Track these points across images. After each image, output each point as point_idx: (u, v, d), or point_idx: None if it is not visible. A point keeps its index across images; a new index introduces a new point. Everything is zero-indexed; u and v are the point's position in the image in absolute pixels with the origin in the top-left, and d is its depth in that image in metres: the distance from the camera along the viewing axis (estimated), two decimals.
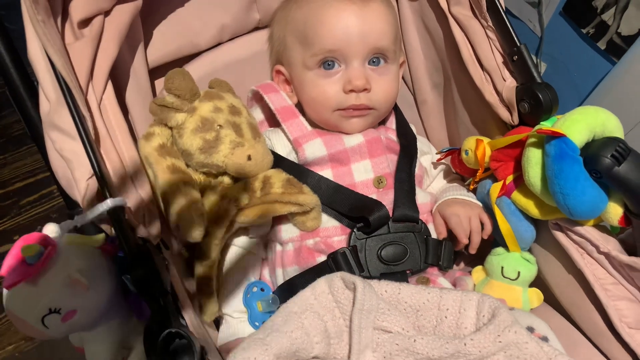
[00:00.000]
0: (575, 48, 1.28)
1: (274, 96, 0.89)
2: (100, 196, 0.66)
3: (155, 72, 0.92)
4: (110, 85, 0.73)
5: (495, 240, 0.90)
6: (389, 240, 0.79)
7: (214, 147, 0.77)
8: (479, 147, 0.84)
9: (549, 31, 1.33)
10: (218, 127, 0.77)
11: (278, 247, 0.85)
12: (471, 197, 0.89)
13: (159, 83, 0.94)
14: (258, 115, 0.94)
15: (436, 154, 0.97)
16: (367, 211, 0.78)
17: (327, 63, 0.83)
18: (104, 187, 0.63)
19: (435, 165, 0.98)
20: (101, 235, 0.65)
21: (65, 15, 0.71)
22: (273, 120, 0.93)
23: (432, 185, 0.97)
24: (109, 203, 0.62)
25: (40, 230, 0.65)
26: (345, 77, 0.83)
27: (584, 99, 1.27)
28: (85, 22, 0.72)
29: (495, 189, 0.82)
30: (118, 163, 0.69)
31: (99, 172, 0.64)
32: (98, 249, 0.66)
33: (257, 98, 0.94)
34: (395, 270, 0.79)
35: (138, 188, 0.70)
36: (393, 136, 0.91)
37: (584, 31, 1.26)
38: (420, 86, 1.02)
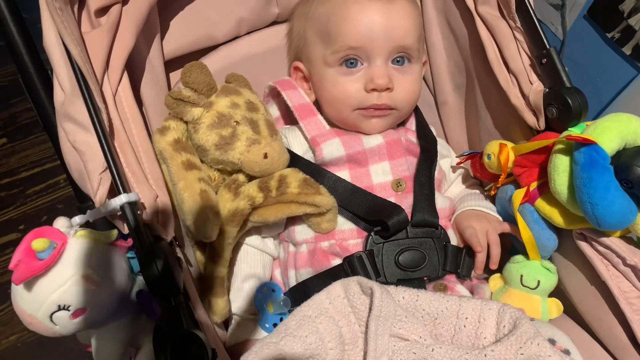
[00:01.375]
0: (599, 52, 1.25)
1: (291, 93, 0.87)
2: (112, 190, 0.64)
3: (170, 65, 0.90)
4: (125, 77, 0.72)
5: (513, 247, 0.88)
6: (407, 245, 0.77)
7: (230, 143, 0.75)
8: (502, 152, 0.81)
9: (572, 34, 1.30)
10: (235, 123, 0.76)
11: (291, 248, 0.83)
12: (490, 209, 0.87)
13: (174, 75, 0.92)
14: (274, 111, 0.93)
15: (456, 157, 0.95)
16: (385, 215, 0.76)
17: (350, 61, 0.81)
18: (118, 181, 0.61)
19: (454, 169, 0.95)
20: (114, 231, 0.63)
21: (82, 3, 0.69)
22: (289, 118, 0.91)
23: (450, 190, 0.94)
24: (122, 198, 0.60)
25: (50, 224, 0.63)
26: (367, 75, 0.81)
27: (606, 106, 1.24)
28: (102, 11, 0.71)
29: (519, 195, 0.79)
30: (132, 157, 0.67)
31: (113, 166, 0.62)
32: (110, 245, 0.64)
33: (274, 94, 0.92)
34: (413, 277, 0.77)
35: (152, 183, 0.68)
36: (413, 138, 0.89)
37: (609, 35, 1.23)
38: (441, 86, 1.00)
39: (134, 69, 0.79)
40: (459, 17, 0.90)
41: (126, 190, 0.62)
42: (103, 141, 0.62)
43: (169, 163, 0.72)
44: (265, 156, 0.76)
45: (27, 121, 1.98)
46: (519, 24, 0.79)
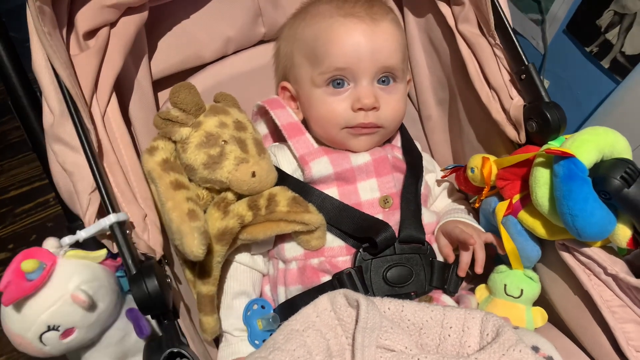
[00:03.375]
0: (579, 66, 1.28)
1: (280, 112, 0.88)
2: (102, 210, 0.65)
3: (158, 84, 0.91)
4: (114, 98, 0.73)
5: (498, 257, 0.89)
6: (394, 261, 0.78)
7: (218, 162, 0.76)
8: (485, 165, 0.83)
9: (553, 49, 1.33)
10: (223, 142, 0.77)
11: (281, 265, 0.84)
12: (474, 222, 0.88)
13: (163, 95, 0.93)
14: (262, 129, 0.93)
15: (441, 170, 0.96)
16: (373, 232, 0.77)
17: (337, 81, 0.82)
18: (107, 201, 0.62)
19: (439, 182, 0.97)
20: (103, 251, 0.64)
21: (70, 26, 0.71)
22: (277, 135, 0.92)
23: (436, 204, 0.96)
24: (111, 218, 0.61)
25: (39, 242, 0.63)
26: (354, 95, 0.82)
27: (587, 118, 1.27)
28: (91, 34, 0.72)
29: (502, 208, 0.81)
30: (121, 177, 0.68)
31: (102, 186, 0.63)
32: (99, 265, 0.64)
33: (262, 112, 0.93)
34: (400, 293, 0.77)
35: (141, 202, 0.69)
36: (399, 154, 0.90)
37: (588, 49, 1.26)
38: (424, 101, 1.02)
39: (122, 89, 0.80)
40: (441, 35, 0.92)
41: (115, 210, 0.63)
42: (92, 162, 0.63)
43: (157, 183, 0.72)
44: (253, 175, 0.76)
45: (16, 140, 1.98)
46: (498, 41, 0.81)
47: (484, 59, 0.83)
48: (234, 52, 0.98)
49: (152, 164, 0.74)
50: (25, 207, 1.78)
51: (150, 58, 0.87)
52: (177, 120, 0.76)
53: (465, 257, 0.82)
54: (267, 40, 1.00)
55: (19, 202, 1.79)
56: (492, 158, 0.84)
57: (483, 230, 0.87)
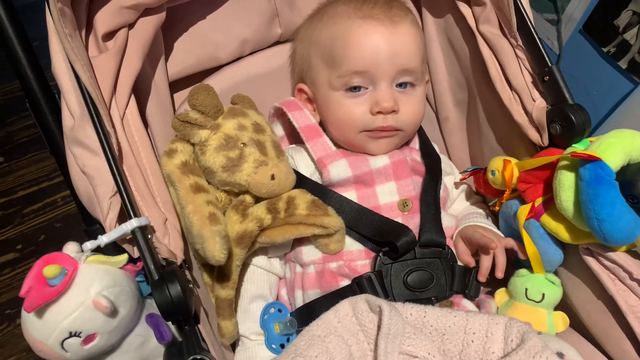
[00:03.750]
0: (595, 67, 1.26)
1: (297, 114, 0.87)
2: (122, 214, 0.64)
3: (174, 86, 0.90)
4: (133, 100, 0.72)
5: (518, 261, 0.88)
6: (415, 266, 0.77)
7: (237, 165, 0.75)
8: (506, 168, 0.82)
9: (568, 49, 1.32)
10: (242, 145, 0.76)
11: (298, 269, 0.83)
12: (494, 227, 0.87)
13: (178, 97, 0.92)
14: (279, 130, 0.93)
15: (460, 173, 0.95)
16: (393, 235, 0.76)
17: (355, 85, 0.81)
18: (128, 205, 0.61)
19: (457, 185, 0.96)
20: (124, 256, 0.63)
21: (89, 27, 0.70)
22: (294, 137, 0.91)
23: (454, 207, 0.95)
24: (133, 223, 0.60)
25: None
26: (372, 98, 0.81)
27: (603, 120, 1.25)
28: (109, 35, 0.71)
29: (524, 211, 0.79)
30: (141, 180, 0.67)
31: (124, 190, 0.62)
32: (120, 270, 0.63)
33: (279, 114, 0.92)
34: (421, 297, 0.77)
35: (161, 206, 0.68)
36: (417, 157, 0.89)
37: (605, 50, 1.24)
38: (442, 103, 1.00)
39: (139, 91, 0.79)
40: (460, 36, 0.91)
41: (136, 214, 0.62)
42: (113, 165, 0.62)
43: (177, 186, 0.72)
44: (273, 177, 0.76)
45: (24, 140, 1.97)
46: (520, 42, 0.80)
47: (506, 60, 0.81)
48: (250, 53, 0.97)
49: (172, 167, 0.74)
50: (33, 207, 1.77)
51: (166, 59, 0.87)
52: (196, 122, 0.75)
53: (486, 262, 0.81)
54: (284, 41, 0.99)
55: (27, 203, 1.78)
56: (513, 160, 0.83)
57: (502, 235, 0.86)
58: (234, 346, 0.81)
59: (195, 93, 0.76)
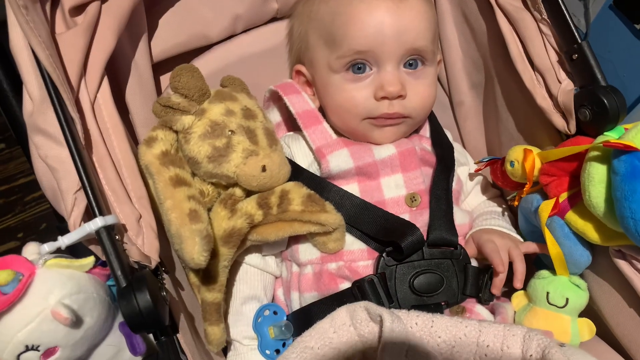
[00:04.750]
0: (626, 46, 1.16)
1: (294, 98, 0.80)
2: (90, 211, 0.57)
3: (160, 67, 0.83)
4: (106, 82, 0.64)
5: (539, 260, 0.80)
6: (422, 268, 0.70)
7: (225, 155, 0.68)
8: (527, 159, 0.74)
9: (596, 27, 1.21)
10: (229, 132, 0.69)
11: (295, 268, 0.76)
12: (512, 231, 0.79)
13: (165, 79, 0.85)
14: (275, 117, 0.85)
15: (475, 163, 0.87)
16: (398, 235, 0.69)
17: (357, 66, 0.73)
18: (93, 202, 0.54)
19: (471, 176, 0.88)
20: (90, 259, 0.56)
21: (56, 1, 0.62)
22: (292, 124, 0.83)
23: (468, 201, 0.86)
24: (97, 222, 0.53)
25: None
26: (377, 82, 0.73)
27: (634, 104, 1.15)
28: (78, 9, 0.64)
29: (546, 207, 0.71)
30: (113, 172, 0.60)
31: (88, 184, 0.54)
32: (87, 274, 0.57)
33: (275, 98, 0.85)
34: (429, 303, 0.70)
35: (135, 202, 0.61)
36: (428, 146, 0.81)
37: (638, 27, 1.14)
38: (456, 86, 0.92)
39: (117, 73, 0.72)
40: (477, 10, 0.82)
41: (103, 212, 0.55)
42: (76, 156, 0.55)
43: (156, 179, 0.64)
44: (264, 169, 0.69)
45: None
46: (545, 16, 0.71)
47: (528, 36, 0.73)
48: (244, 31, 0.89)
49: (150, 157, 0.67)
50: (34, 194, 1.73)
51: (149, 38, 0.79)
52: (179, 107, 0.68)
53: (501, 276, 0.73)
54: (281, 18, 0.91)
55: (28, 190, 1.74)
56: (535, 150, 0.75)
57: (521, 239, 0.78)
58: (225, 351, 0.75)
59: (178, 74, 0.68)
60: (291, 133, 0.84)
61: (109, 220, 0.54)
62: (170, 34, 0.81)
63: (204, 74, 0.71)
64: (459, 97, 0.92)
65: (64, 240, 0.53)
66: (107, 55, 0.64)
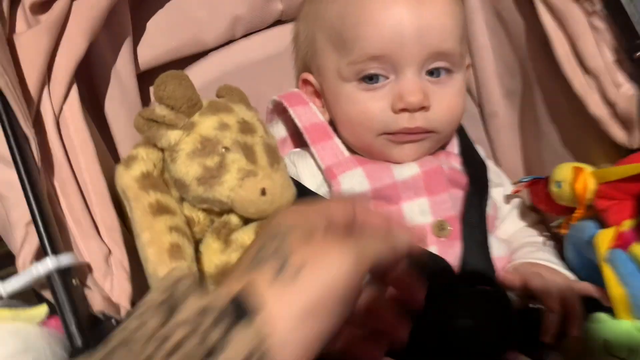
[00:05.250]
0: None
1: (301, 109, 0.70)
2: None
3: (149, 77, 0.73)
4: (75, 92, 0.55)
5: (589, 300, 0.67)
6: (453, 311, 0.58)
7: (217, 176, 0.58)
8: (578, 179, 0.62)
9: None
10: (223, 149, 0.59)
11: None
12: (560, 266, 0.67)
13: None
14: (280, 131, 0.75)
15: (512, 184, 0.75)
16: (424, 271, 0.57)
17: (371, 73, 0.64)
18: (44, 237, 0.44)
19: (506, 199, 0.76)
20: (42, 308, 0.45)
21: None
22: (299, 139, 0.73)
23: (504, 228, 0.75)
24: (48, 263, 0.42)
25: None
26: (395, 91, 0.64)
27: None
28: (43, 6, 0.55)
29: (604, 237, 0.59)
30: (77, 200, 0.50)
31: (40, 215, 0.44)
32: (39, 327, 0.46)
33: (279, 110, 0.75)
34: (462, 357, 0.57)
35: (105, 235, 0.51)
36: (457, 164, 0.70)
37: None
38: (488, 94, 0.81)
39: (95, 82, 0.63)
40: (512, 5, 0.71)
41: (58, 249, 0.44)
42: (26, 181, 0.44)
43: (133, 206, 0.54)
44: (263, 192, 0.59)
45: None
46: (598, 7, 0.59)
47: (578, 33, 0.61)
48: (244, 36, 0.79)
49: (127, 180, 0.57)
50: None
51: (136, 43, 0.70)
52: (164, 120, 0.59)
53: (554, 318, 0.61)
54: (286, 21, 0.81)
55: None
56: (587, 169, 0.63)
57: (570, 275, 0.65)
58: None
59: (163, 82, 0.59)
60: (298, 150, 0.74)
61: (63, 260, 0.43)
62: (159, 38, 0.72)
63: (198, 84, 0.62)
64: (491, 107, 0.81)
65: (5, 287, 0.42)
66: (77, 60, 0.55)
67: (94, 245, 0.49)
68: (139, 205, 0.55)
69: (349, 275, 0.33)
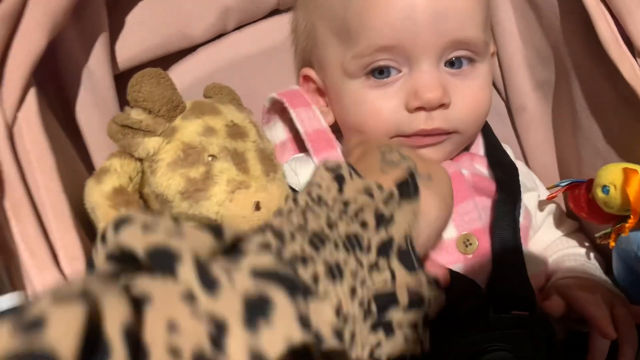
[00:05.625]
0: None
1: (304, 113, 0.63)
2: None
3: (128, 78, 0.63)
4: (33, 95, 0.47)
5: None
6: (486, 343, 0.49)
7: (203, 190, 0.51)
8: (630, 182, 0.53)
9: None
10: (209, 158, 0.52)
11: None
12: (608, 282, 0.59)
13: None
14: (278, 134, 0.68)
15: (547, 189, 0.66)
16: (449, 295, 0.48)
17: (381, 66, 0.56)
18: None
19: (540, 205, 0.66)
20: None
21: None
22: (301, 142, 0.65)
23: (537, 239, 0.65)
24: None
25: None
26: (409, 87, 0.56)
27: None
28: None
29: None
30: (32, 225, 0.42)
31: None
32: None
33: (278, 109, 0.67)
34: None
35: (64, 265, 0.43)
36: (483, 168, 0.62)
37: None
38: (516, 86, 0.71)
39: (63, 84, 0.56)
40: None
41: (5, 286, 0.37)
42: None
43: (101, 228, 0.46)
44: (257, 207, 0.51)
45: None
46: None
47: (625, 9, 0.52)
48: (236, 28, 0.72)
49: (97, 197, 0.49)
50: None
51: (113, 40, 0.62)
52: (140, 126, 0.51)
53: (602, 346, 0.52)
54: (283, 10, 0.73)
55: None
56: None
57: (621, 294, 0.56)
58: None
59: (138, 82, 0.52)
60: (301, 155, 0.66)
61: (4, 302, 0.35)
62: (140, 34, 0.64)
63: (186, 84, 0.58)
64: (519, 100, 0.71)
65: None
66: (34, 59, 0.47)
67: (51, 278, 0.41)
68: None
69: (451, 193, 0.44)
